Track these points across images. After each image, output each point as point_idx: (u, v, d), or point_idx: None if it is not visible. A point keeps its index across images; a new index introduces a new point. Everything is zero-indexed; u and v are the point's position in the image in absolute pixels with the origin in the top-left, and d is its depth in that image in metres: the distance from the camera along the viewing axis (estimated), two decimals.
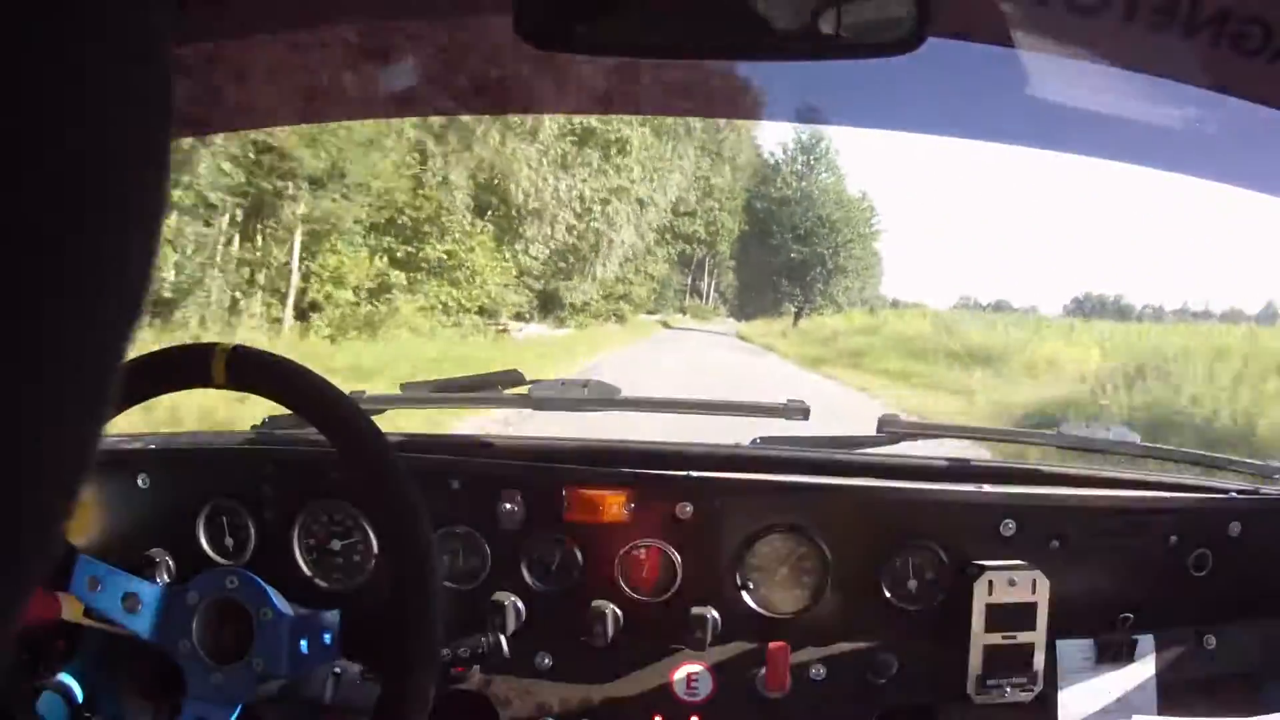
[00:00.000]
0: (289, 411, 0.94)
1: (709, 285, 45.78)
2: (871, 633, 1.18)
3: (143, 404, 0.92)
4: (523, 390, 1.38)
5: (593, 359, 14.22)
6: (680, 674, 1.17)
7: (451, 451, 1.30)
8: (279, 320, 11.96)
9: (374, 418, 0.93)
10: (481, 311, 16.39)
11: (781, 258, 36.13)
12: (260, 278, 11.91)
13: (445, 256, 14.89)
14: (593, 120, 18.26)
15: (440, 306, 14.93)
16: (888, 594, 1.19)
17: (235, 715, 0.90)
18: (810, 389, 11.32)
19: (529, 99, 1.61)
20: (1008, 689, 1.15)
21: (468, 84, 1.35)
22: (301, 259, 12.23)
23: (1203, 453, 1.48)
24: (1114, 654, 1.18)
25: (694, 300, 44.86)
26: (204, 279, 10.83)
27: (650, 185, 22.89)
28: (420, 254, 14.32)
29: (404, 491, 0.87)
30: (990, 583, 1.15)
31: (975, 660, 1.15)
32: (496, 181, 15.70)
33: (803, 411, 1.35)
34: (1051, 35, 0.96)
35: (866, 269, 38.04)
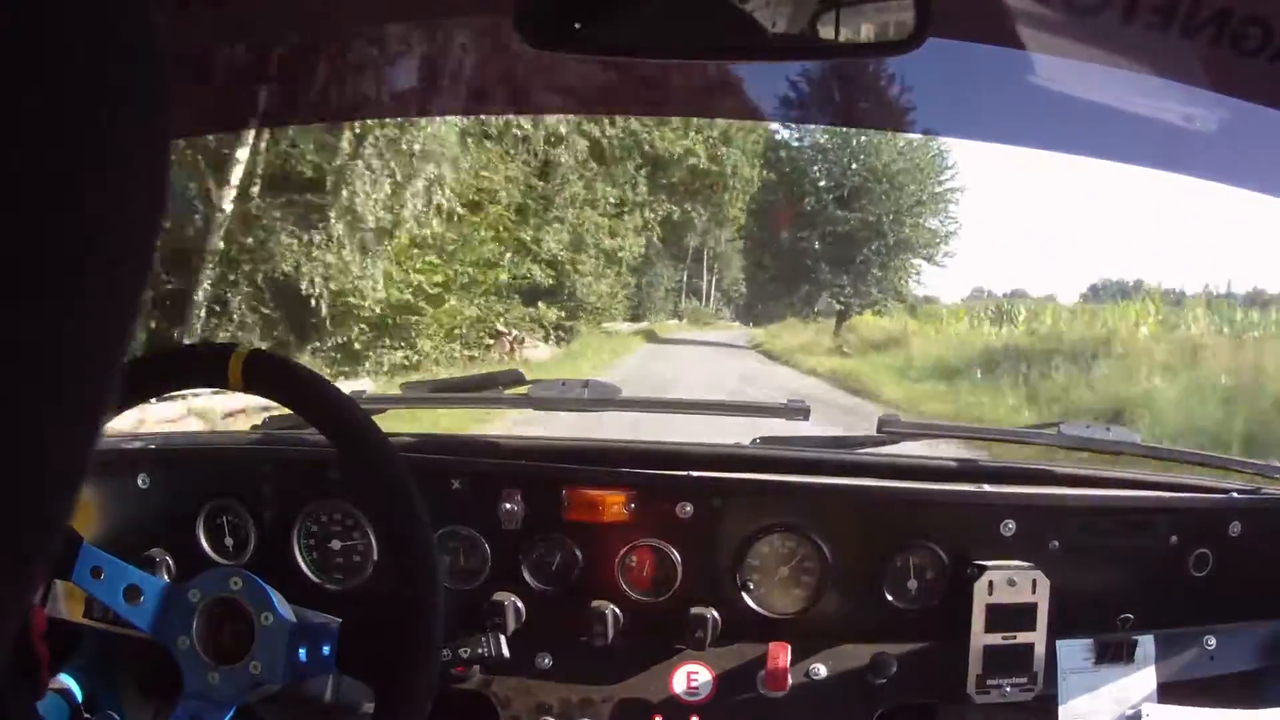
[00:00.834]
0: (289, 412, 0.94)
1: (709, 283, 41.60)
2: (871, 633, 1.18)
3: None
4: (523, 390, 1.38)
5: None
6: (680, 674, 1.17)
7: (451, 451, 1.30)
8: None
9: (374, 418, 0.93)
10: None
11: (817, 231, 24.69)
12: None
13: None
14: None
15: None
16: (888, 594, 1.19)
17: (230, 715, 0.90)
18: None
19: (530, 99, 1.61)
20: (1008, 689, 1.15)
21: (468, 84, 1.35)
22: None
23: (1203, 452, 1.48)
24: (1114, 654, 1.18)
25: (691, 302, 40.50)
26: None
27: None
28: None
29: (407, 494, 0.87)
30: (990, 583, 1.15)
31: (975, 660, 1.14)
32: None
33: (803, 412, 1.35)
34: (1051, 36, 0.96)
35: (935, 245, 25.19)
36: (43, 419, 0.28)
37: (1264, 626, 1.24)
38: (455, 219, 11.47)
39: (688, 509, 1.18)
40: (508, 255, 14.28)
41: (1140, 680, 1.18)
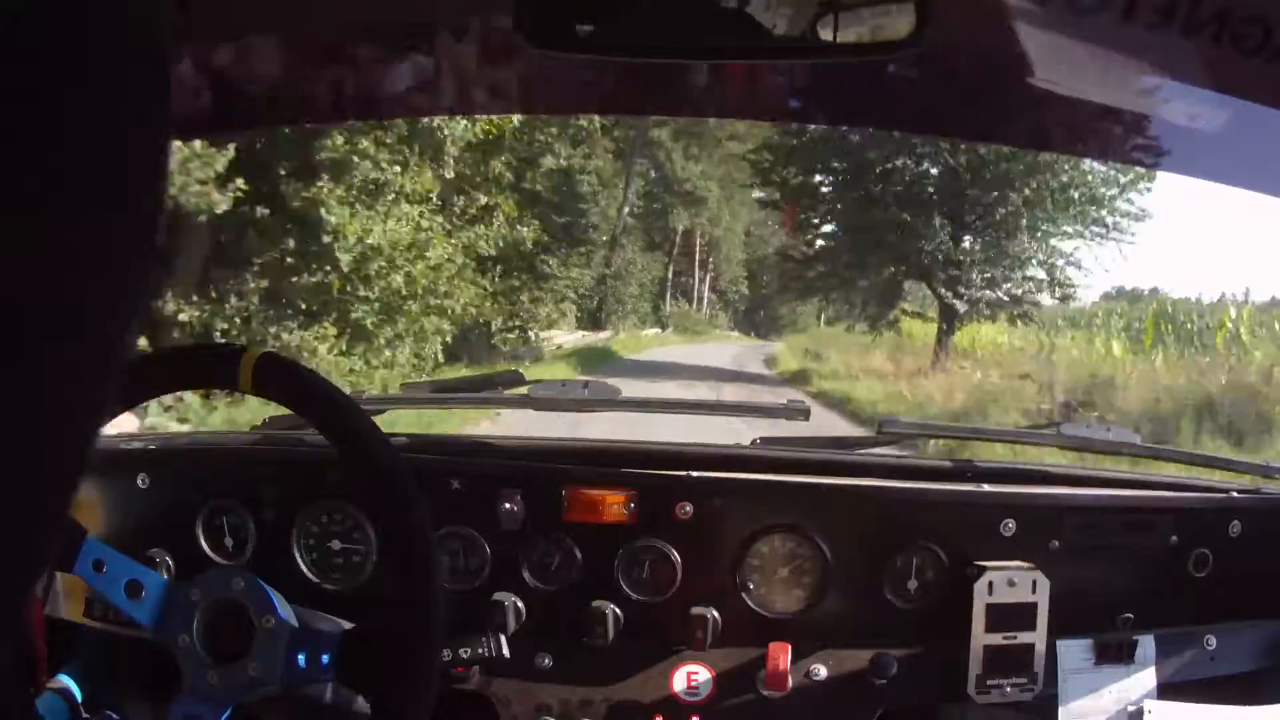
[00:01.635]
0: (289, 412, 0.94)
1: (698, 281, 35.30)
2: (871, 633, 1.18)
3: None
4: (522, 390, 1.38)
5: None
6: (680, 674, 1.17)
7: (451, 451, 1.30)
8: None
9: (374, 418, 0.93)
10: None
11: (889, 188, 15.51)
12: None
13: None
14: None
15: None
16: (888, 594, 1.19)
17: (227, 714, 0.90)
18: None
19: (530, 99, 1.61)
20: (1008, 689, 1.15)
21: (468, 84, 1.35)
22: None
23: (1203, 452, 1.49)
24: (1114, 654, 1.18)
25: (679, 305, 34.53)
26: None
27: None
28: None
29: (407, 495, 0.87)
30: (990, 583, 1.15)
31: (975, 660, 1.15)
32: None
33: (803, 412, 1.35)
34: (1051, 36, 0.96)
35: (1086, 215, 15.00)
36: (43, 417, 0.28)
37: (1264, 626, 1.24)
38: None
39: (688, 509, 1.18)
40: None
41: (1140, 680, 1.18)
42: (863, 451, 1.38)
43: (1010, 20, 0.93)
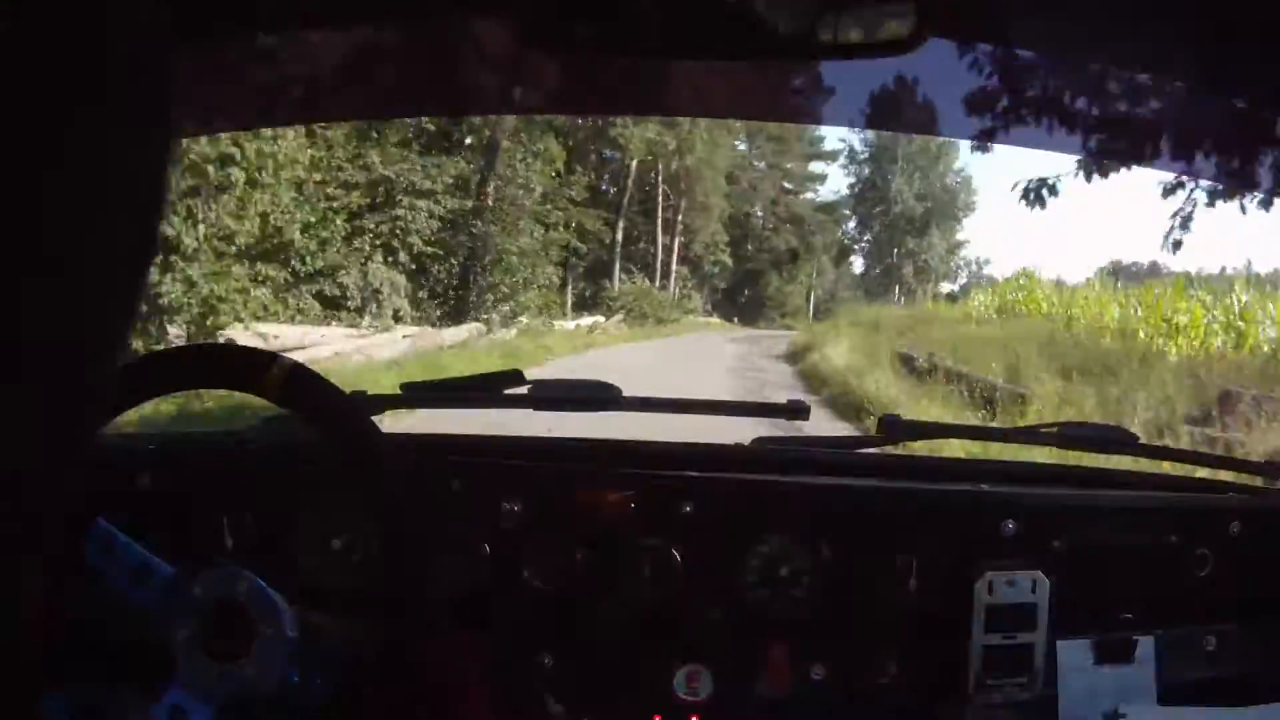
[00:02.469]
0: (287, 411, 0.94)
1: (661, 248, 26.45)
2: (871, 633, 1.18)
3: None
4: (523, 390, 1.38)
5: None
6: (680, 674, 1.17)
7: (452, 451, 1.30)
8: None
9: (374, 418, 0.93)
10: None
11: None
12: None
13: None
14: None
15: None
16: (888, 594, 1.19)
17: (214, 714, 0.89)
18: None
19: (529, 100, 1.61)
20: (1008, 689, 1.15)
21: (468, 84, 1.35)
22: None
23: (1203, 452, 1.49)
24: (1114, 654, 1.18)
25: (636, 281, 24.95)
26: None
27: None
28: None
29: (408, 496, 0.87)
30: (990, 583, 1.15)
31: (975, 660, 1.14)
32: None
33: (803, 411, 1.35)
34: (1051, 36, 0.96)
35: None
36: (48, 411, 0.28)
37: (1264, 626, 1.24)
38: None
39: (688, 509, 1.18)
40: None
41: (1140, 680, 1.18)
42: (863, 451, 1.38)
43: (1010, 20, 0.93)
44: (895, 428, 1.36)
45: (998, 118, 1.31)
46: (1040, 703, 1.16)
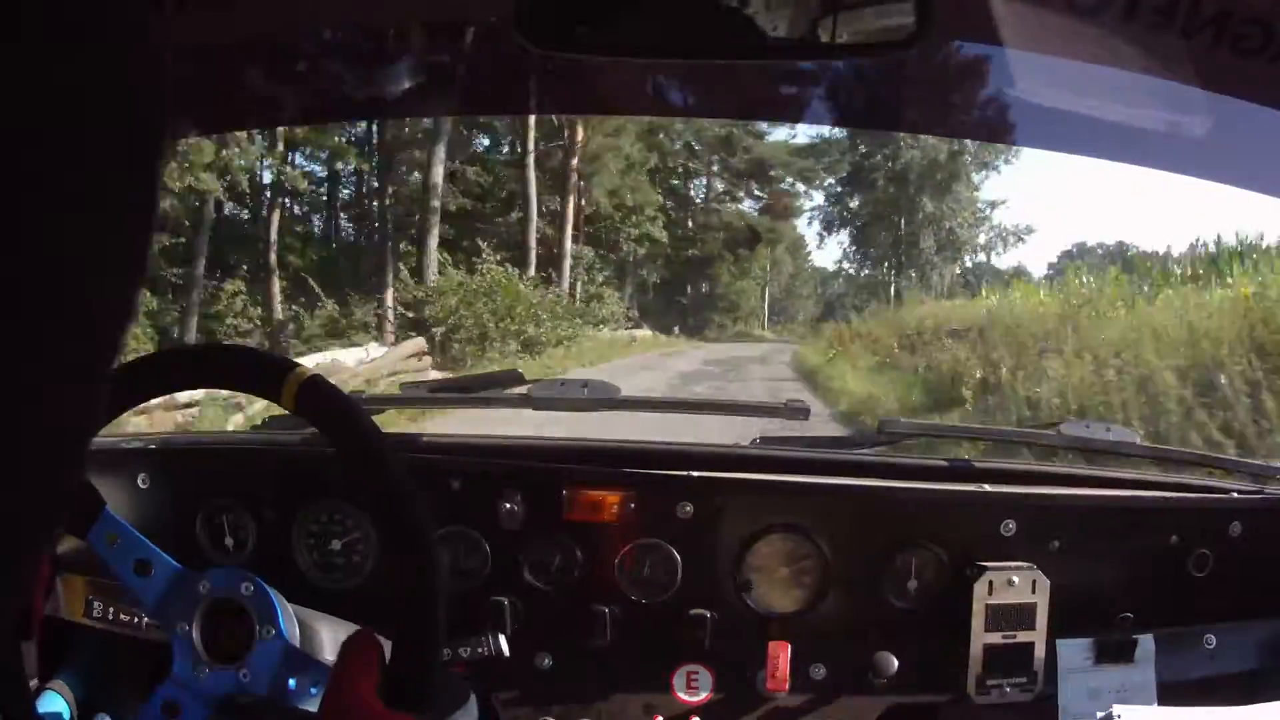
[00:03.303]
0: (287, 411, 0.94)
1: (538, 205, 15.89)
2: (871, 633, 1.18)
3: None
4: (522, 390, 1.38)
5: None
6: (680, 674, 1.17)
7: (451, 451, 1.30)
8: None
9: (374, 418, 0.93)
10: None
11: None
12: None
13: None
14: None
15: None
16: (888, 594, 1.19)
17: (207, 713, 0.89)
18: None
19: (529, 100, 1.61)
20: (1008, 689, 1.15)
21: (467, 84, 1.35)
22: None
23: (1203, 453, 1.49)
24: (1114, 654, 1.18)
25: (488, 269, 14.28)
26: None
27: None
28: None
29: (409, 497, 0.86)
30: (990, 583, 1.15)
31: (975, 660, 1.15)
32: None
33: (803, 411, 1.35)
34: (1051, 36, 0.96)
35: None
36: (52, 408, 0.28)
37: (1264, 626, 1.24)
38: None
39: (688, 509, 1.18)
40: None
41: (1140, 680, 1.18)
42: (863, 451, 1.38)
43: (1010, 20, 0.93)
44: (895, 428, 1.36)
45: (998, 117, 1.31)
46: (1040, 702, 1.17)
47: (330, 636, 0.96)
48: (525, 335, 15.09)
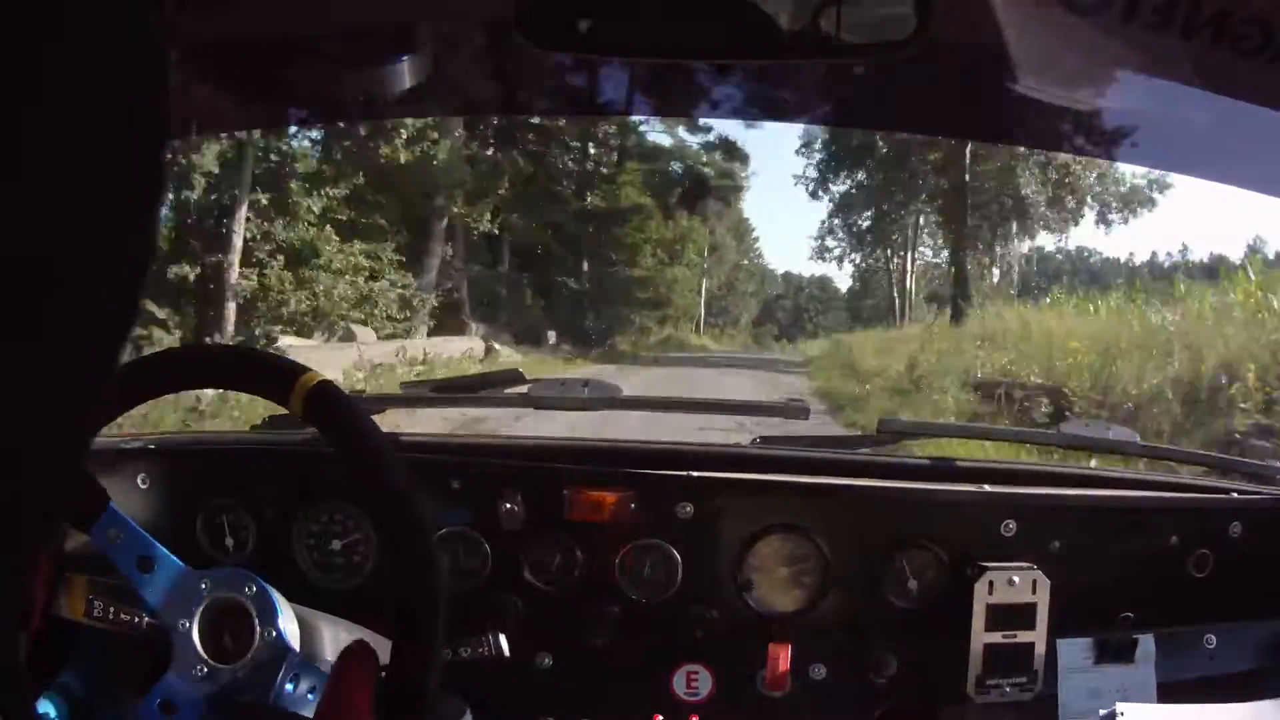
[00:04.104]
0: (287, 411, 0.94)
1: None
2: (871, 633, 1.18)
3: None
4: (522, 390, 1.38)
5: None
6: (680, 674, 1.17)
7: (451, 451, 1.30)
8: None
9: (374, 417, 0.93)
10: None
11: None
12: None
13: None
14: None
15: None
16: (888, 594, 1.19)
17: (203, 711, 0.89)
18: None
19: (529, 100, 1.61)
20: (1008, 689, 1.15)
21: (467, 85, 1.35)
22: None
23: (1203, 452, 1.49)
24: (1114, 654, 1.18)
25: None
26: None
27: None
28: None
29: (409, 498, 0.86)
30: (990, 583, 1.15)
31: (975, 660, 1.15)
32: None
33: (803, 411, 1.35)
34: (1051, 36, 0.96)
35: None
36: (55, 407, 0.28)
37: (1264, 626, 1.24)
38: None
39: (688, 509, 1.18)
40: None
41: (1140, 680, 1.18)
42: (863, 451, 1.38)
43: (1010, 21, 0.93)
44: (894, 428, 1.36)
45: (999, 118, 1.31)
46: (1040, 702, 1.17)
47: (330, 637, 0.96)
48: None
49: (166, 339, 10.61)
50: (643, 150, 18.49)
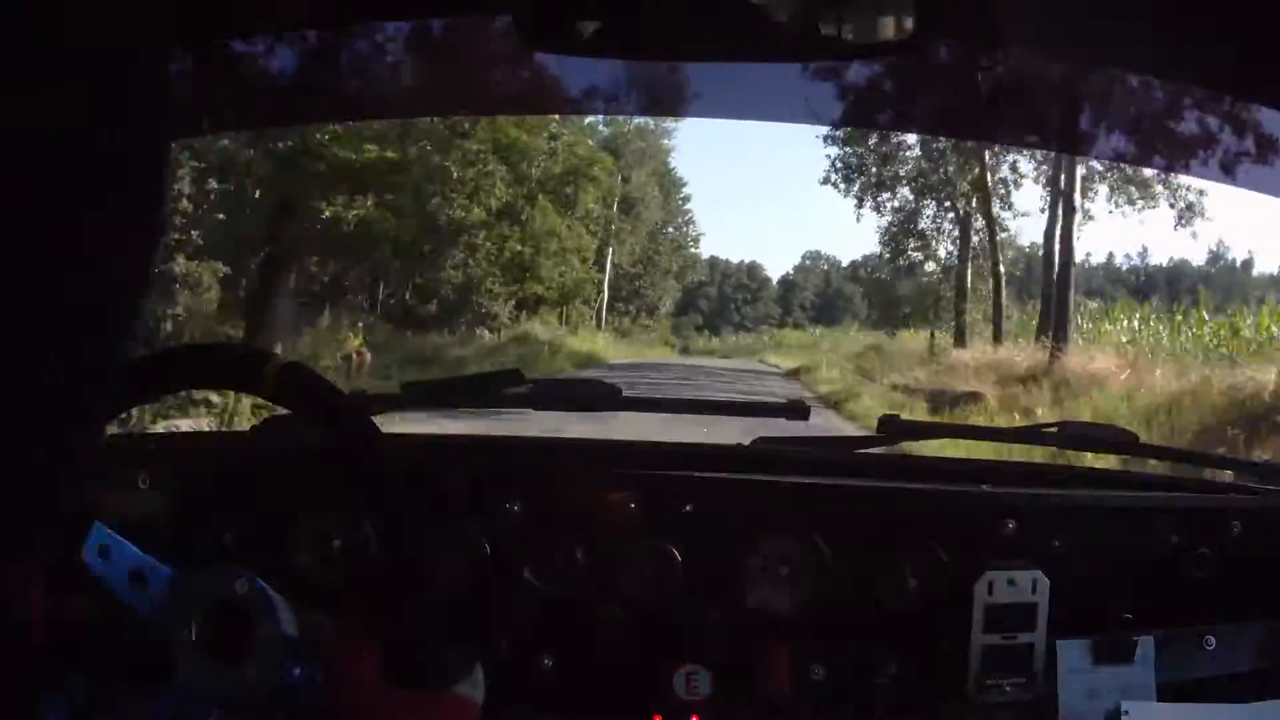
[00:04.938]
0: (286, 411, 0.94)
1: None
2: (871, 633, 1.18)
3: None
4: (522, 390, 1.38)
5: None
6: (680, 674, 1.17)
7: (451, 452, 1.30)
8: None
9: (374, 417, 0.93)
10: None
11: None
12: None
13: None
14: None
15: None
16: (887, 594, 1.19)
17: (214, 715, 0.89)
18: None
19: (529, 100, 1.61)
20: (1007, 689, 1.15)
21: (467, 85, 1.35)
22: None
23: (1203, 452, 1.49)
24: (1114, 654, 1.18)
25: None
26: None
27: None
28: None
29: (407, 497, 0.87)
30: (990, 583, 1.15)
31: (975, 660, 1.15)
32: None
33: (803, 411, 1.35)
34: (1050, 36, 0.96)
35: None
36: (58, 407, 0.28)
37: (1264, 626, 1.24)
38: None
39: (688, 509, 1.18)
40: None
41: (1140, 680, 1.18)
42: (863, 451, 1.38)
43: (1010, 21, 0.93)
44: (895, 427, 1.36)
45: (999, 118, 1.31)
46: (1040, 703, 1.16)
47: (330, 623, 0.96)
48: None
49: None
50: None
